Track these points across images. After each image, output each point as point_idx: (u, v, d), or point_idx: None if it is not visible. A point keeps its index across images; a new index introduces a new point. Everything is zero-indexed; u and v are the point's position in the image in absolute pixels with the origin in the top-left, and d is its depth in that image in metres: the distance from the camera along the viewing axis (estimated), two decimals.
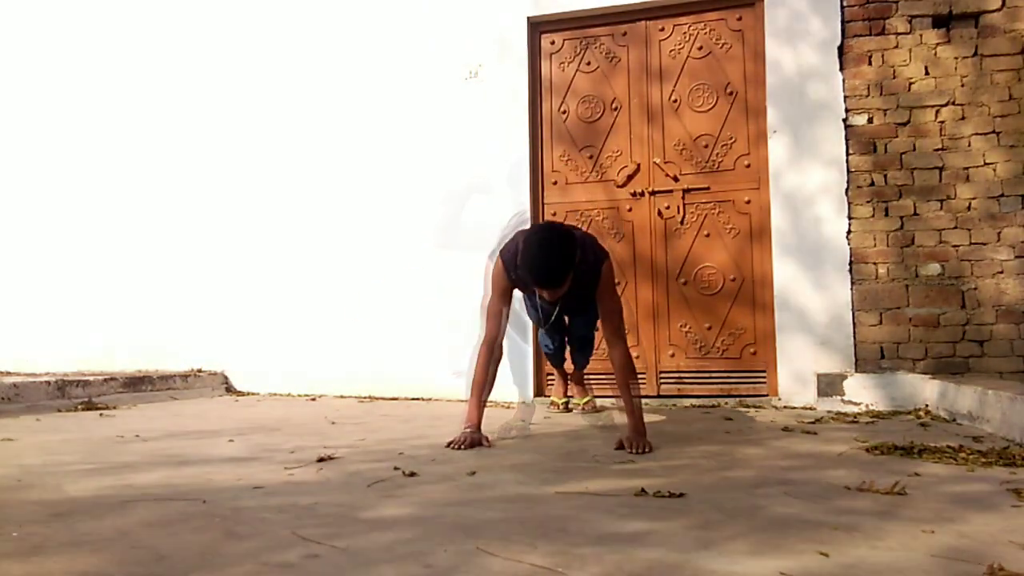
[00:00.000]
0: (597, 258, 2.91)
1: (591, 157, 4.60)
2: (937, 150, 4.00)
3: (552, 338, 3.69)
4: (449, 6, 4.81)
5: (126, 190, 5.39)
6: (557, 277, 2.64)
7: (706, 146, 4.42)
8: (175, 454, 2.57)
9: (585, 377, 3.99)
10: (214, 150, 5.23)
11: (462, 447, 2.66)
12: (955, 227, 3.96)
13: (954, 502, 1.81)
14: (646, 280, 4.46)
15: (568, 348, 3.74)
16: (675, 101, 4.49)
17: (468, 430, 2.75)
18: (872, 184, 4.07)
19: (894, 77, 4.08)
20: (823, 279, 4.09)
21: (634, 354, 4.33)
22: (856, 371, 4.00)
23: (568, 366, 3.88)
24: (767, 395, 4.19)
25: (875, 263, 4.05)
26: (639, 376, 4.30)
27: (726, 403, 4.14)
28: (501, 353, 2.93)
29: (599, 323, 3.04)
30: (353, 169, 4.93)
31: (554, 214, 4.59)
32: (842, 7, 4.15)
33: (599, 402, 4.02)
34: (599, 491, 1.96)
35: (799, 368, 4.08)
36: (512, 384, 4.36)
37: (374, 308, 4.79)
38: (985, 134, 3.95)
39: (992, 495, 1.89)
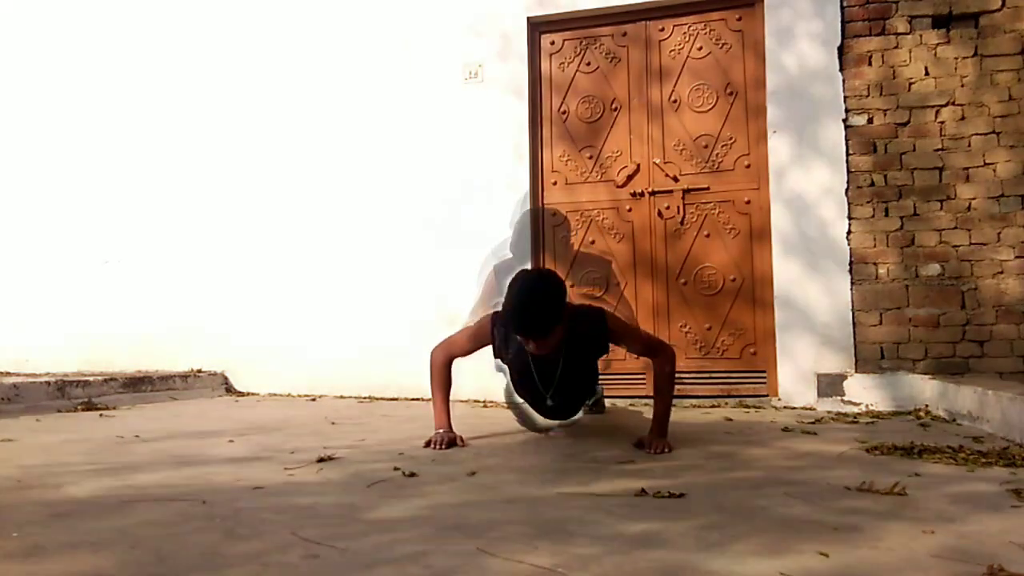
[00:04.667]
0: (595, 310, 2.78)
1: (591, 157, 4.60)
2: (937, 150, 4.00)
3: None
4: (449, 6, 4.81)
5: (125, 190, 5.39)
6: (542, 324, 2.48)
7: (706, 146, 4.42)
8: (175, 454, 2.57)
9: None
10: (214, 149, 5.23)
11: (440, 446, 2.68)
12: (955, 227, 3.95)
13: (954, 502, 1.81)
14: (646, 280, 4.46)
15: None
16: (675, 101, 4.49)
17: (441, 431, 2.77)
18: (872, 184, 4.07)
19: (894, 77, 4.07)
20: (823, 279, 4.09)
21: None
22: (856, 371, 4.00)
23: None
24: (767, 395, 4.19)
25: (875, 263, 4.04)
26: (639, 376, 4.32)
27: (726, 403, 4.14)
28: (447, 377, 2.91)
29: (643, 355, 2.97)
30: (353, 170, 4.93)
31: (554, 214, 4.59)
32: (842, 7, 4.15)
33: (606, 402, 4.00)
34: (600, 492, 1.96)
35: (799, 368, 4.08)
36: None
37: (375, 308, 4.79)
38: (985, 134, 3.95)
39: (992, 495, 1.89)
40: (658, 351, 2.83)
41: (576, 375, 2.85)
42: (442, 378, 2.88)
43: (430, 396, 2.96)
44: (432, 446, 2.70)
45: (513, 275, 2.71)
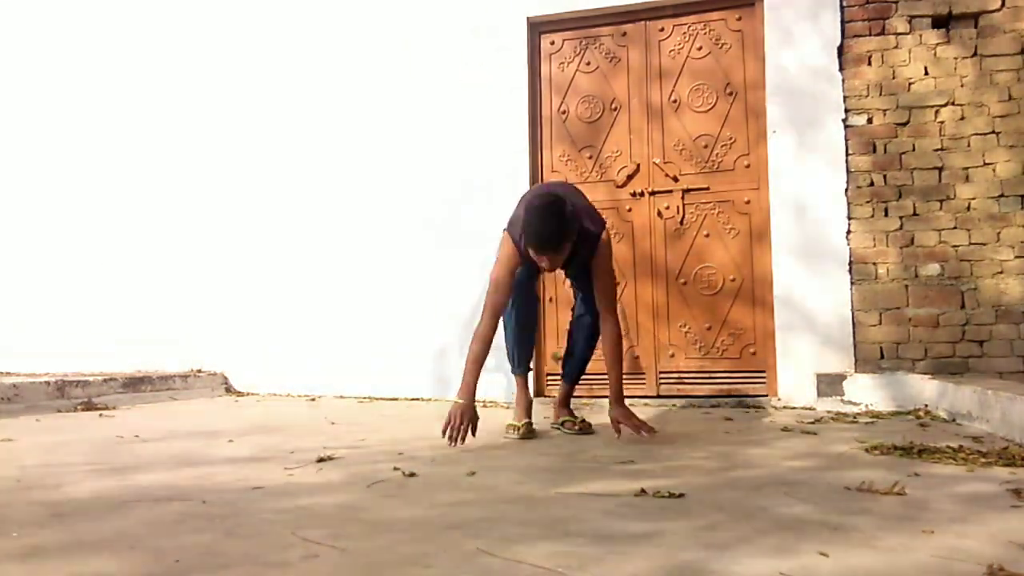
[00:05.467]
0: (596, 230, 2.94)
1: (591, 157, 4.60)
2: (937, 150, 4.00)
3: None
4: (449, 6, 4.81)
5: (126, 190, 5.39)
6: (556, 241, 2.72)
7: (706, 146, 4.42)
8: (175, 454, 2.57)
9: (585, 379, 3.94)
10: (215, 150, 5.23)
11: (459, 422, 2.68)
12: (955, 227, 3.95)
13: (954, 502, 1.81)
14: (646, 280, 4.46)
15: (567, 345, 3.38)
16: (675, 101, 4.49)
17: (461, 402, 2.74)
18: (872, 184, 4.07)
19: (894, 77, 4.07)
20: (823, 279, 4.09)
21: (634, 354, 4.38)
22: (856, 371, 4.00)
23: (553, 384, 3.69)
24: (767, 395, 4.19)
25: (875, 263, 4.04)
26: (639, 376, 4.34)
27: (726, 403, 4.14)
28: (496, 328, 2.90)
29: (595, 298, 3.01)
30: (353, 170, 4.93)
31: None
32: (842, 7, 4.15)
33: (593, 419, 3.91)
34: (599, 491, 1.96)
35: (799, 368, 4.08)
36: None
37: (375, 309, 4.79)
38: (985, 134, 3.95)
39: (992, 495, 1.89)
40: (612, 306, 2.91)
41: (582, 282, 3.08)
42: (478, 348, 2.81)
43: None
44: (451, 423, 2.68)
45: (525, 195, 2.91)
